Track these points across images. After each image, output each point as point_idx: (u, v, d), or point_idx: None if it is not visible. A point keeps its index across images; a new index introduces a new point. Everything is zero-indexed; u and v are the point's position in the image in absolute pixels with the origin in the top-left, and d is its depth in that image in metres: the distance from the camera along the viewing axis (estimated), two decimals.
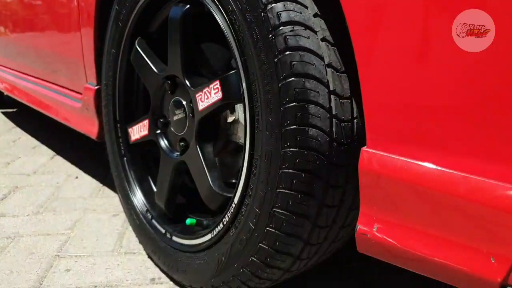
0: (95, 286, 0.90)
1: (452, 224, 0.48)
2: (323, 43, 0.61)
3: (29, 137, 2.14)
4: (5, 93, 2.02)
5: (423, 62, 0.49)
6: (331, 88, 0.60)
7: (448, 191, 0.47)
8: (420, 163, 0.50)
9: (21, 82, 1.74)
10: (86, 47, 1.19)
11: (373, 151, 0.54)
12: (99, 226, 1.18)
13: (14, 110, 2.84)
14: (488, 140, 0.45)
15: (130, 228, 1.17)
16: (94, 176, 1.58)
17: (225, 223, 0.74)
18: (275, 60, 0.60)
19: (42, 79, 1.56)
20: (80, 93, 1.31)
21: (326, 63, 0.61)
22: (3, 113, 2.78)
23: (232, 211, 0.72)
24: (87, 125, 1.25)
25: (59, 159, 1.78)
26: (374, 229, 0.55)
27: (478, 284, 0.46)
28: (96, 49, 1.15)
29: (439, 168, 0.49)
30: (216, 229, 0.76)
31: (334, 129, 0.61)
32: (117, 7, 0.96)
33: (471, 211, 0.47)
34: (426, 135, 0.50)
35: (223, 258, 0.74)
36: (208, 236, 0.78)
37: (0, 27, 1.94)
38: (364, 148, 0.55)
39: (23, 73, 1.78)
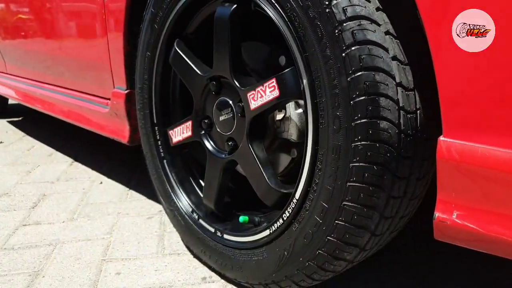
0: None
1: None
2: (387, 36, 0.62)
3: (42, 145, 2.13)
4: (24, 103, 2.00)
5: (493, 55, 0.50)
6: (398, 81, 0.62)
7: None
8: (497, 148, 0.52)
9: (38, 91, 1.73)
10: (113, 52, 1.19)
11: (451, 140, 0.55)
12: (136, 229, 1.18)
13: (20, 118, 2.83)
14: None
15: (168, 229, 1.18)
16: (117, 180, 1.58)
17: (285, 218, 0.74)
18: (343, 54, 0.61)
19: (62, 87, 1.56)
20: (106, 98, 1.31)
21: (391, 56, 0.62)
22: (9, 122, 2.76)
23: (293, 206, 0.73)
24: (117, 130, 1.25)
25: (78, 165, 1.78)
26: (454, 216, 0.56)
27: None
28: (125, 54, 1.15)
29: None
30: (275, 224, 0.77)
31: (401, 121, 0.62)
32: (152, 10, 0.96)
33: None
34: (502, 122, 0.52)
35: (285, 253, 0.75)
36: (266, 232, 0.79)
37: (12, 35, 1.92)
38: (441, 137, 0.56)
39: (40, 81, 1.77)
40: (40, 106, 1.81)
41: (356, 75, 0.60)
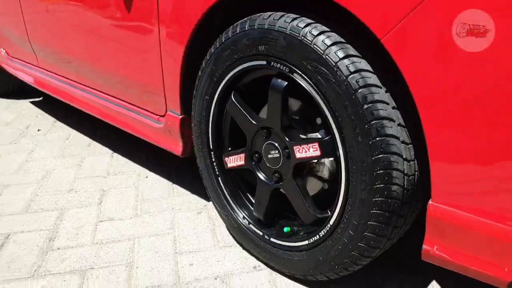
0: (217, 276, 1.26)
1: (480, 251, 0.85)
2: (399, 127, 0.94)
3: (77, 133, 2.39)
4: (55, 96, 2.24)
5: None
6: (404, 157, 0.94)
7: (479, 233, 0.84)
8: (467, 214, 0.86)
9: (90, 97, 1.97)
10: (169, 83, 1.46)
11: (436, 204, 0.89)
12: (191, 224, 1.52)
13: (41, 98, 3.05)
14: None
15: (216, 223, 1.52)
16: (160, 175, 1.89)
17: (321, 235, 1.09)
18: (369, 142, 0.92)
19: (114, 97, 1.81)
20: (158, 115, 1.60)
21: (401, 141, 0.94)
22: (31, 103, 2.98)
23: (328, 229, 1.07)
24: (171, 144, 1.55)
25: (119, 158, 2.07)
26: (434, 249, 0.91)
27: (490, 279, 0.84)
28: (181, 87, 1.42)
29: (476, 217, 0.84)
30: (313, 238, 1.12)
31: (405, 183, 0.95)
32: (213, 67, 1.24)
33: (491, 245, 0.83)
34: (478, 197, 0.85)
35: (320, 258, 1.11)
36: (305, 242, 1.14)
37: (62, 43, 2.12)
38: (430, 202, 0.90)
39: (81, 83, 2.02)
40: (78, 104, 2.06)
41: (378, 156, 0.92)
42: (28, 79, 2.51)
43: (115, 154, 2.11)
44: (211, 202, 1.63)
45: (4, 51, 2.73)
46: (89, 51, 1.84)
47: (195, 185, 1.75)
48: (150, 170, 1.94)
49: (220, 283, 1.23)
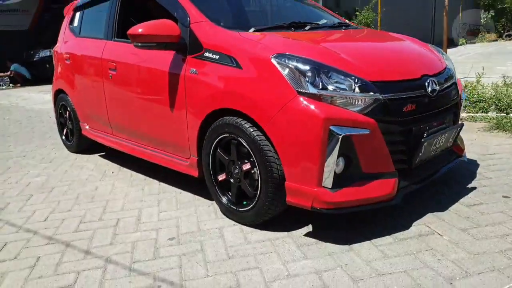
0: (217, 228, 2.84)
1: None
2: (274, 153, 2.56)
3: (136, 173, 4.04)
4: (122, 151, 3.93)
5: None
6: (277, 163, 2.56)
7: None
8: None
9: (146, 150, 3.65)
10: (192, 143, 3.11)
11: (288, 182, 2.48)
12: (206, 209, 3.11)
13: (104, 153, 4.76)
14: None
15: (216, 208, 3.11)
16: (188, 190, 3.50)
17: (256, 201, 2.69)
18: (264, 159, 2.54)
19: (161, 150, 3.48)
20: (186, 158, 3.24)
21: (275, 156, 2.55)
22: (100, 156, 4.69)
23: (257, 198, 2.66)
24: (192, 172, 3.17)
25: (163, 184, 3.70)
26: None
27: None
28: (197, 145, 3.07)
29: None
30: (253, 203, 2.71)
31: (279, 173, 2.56)
32: (209, 137, 2.89)
33: None
34: None
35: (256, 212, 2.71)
36: (251, 206, 2.74)
37: (124, 119, 3.84)
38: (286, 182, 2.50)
39: (147, 145, 3.69)
40: (137, 154, 3.73)
41: (266, 162, 2.54)
42: (105, 142, 4.22)
43: (162, 183, 3.75)
44: (213, 201, 3.22)
45: (88, 126, 4.48)
46: (146, 125, 3.54)
47: (204, 192, 3.35)
48: (182, 188, 3.56)
49: (219, 233, 2.80)
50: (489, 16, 29.92)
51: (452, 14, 20.88)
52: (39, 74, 13.53)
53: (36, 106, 9.31)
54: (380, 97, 2.40)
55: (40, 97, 10.55)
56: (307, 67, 2.38)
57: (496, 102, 5.60)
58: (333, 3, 15.92)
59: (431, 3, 12.45)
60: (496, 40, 26.98)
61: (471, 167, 3.64)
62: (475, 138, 4.54)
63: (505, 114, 5.27)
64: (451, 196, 3.06)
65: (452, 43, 22.22)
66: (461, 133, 3.47)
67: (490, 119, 5.19)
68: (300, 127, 2.33)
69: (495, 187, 3.18)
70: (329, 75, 2.38)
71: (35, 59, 14.13)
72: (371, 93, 2.39)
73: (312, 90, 2.34)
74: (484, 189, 3.15)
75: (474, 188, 3.19)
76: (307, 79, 2.36)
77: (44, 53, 13.81)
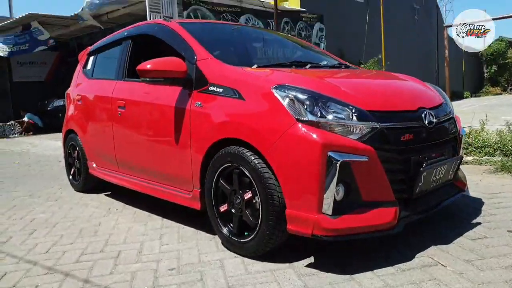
0: (217, 260, 2.81)
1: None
2: (275, 181, 2.58)
3: (140, 210, 4.07)
4: (128, 188, 3.98)
5: None
6: (278, 191, 2.57)
7: None
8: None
9: (150, 185, 3.70)
10: (195, 177, 3.15)
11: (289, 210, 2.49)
12: (208, 242, 3.09)
13: (109, 193, 4.81)
14: None
15: (218, 240, 3.09)
16: (189, 225, 3.50)
17: (256, 232, 2.68)
18: (266, 189, 2.57)
19: (165, 184, 3.53)
20: (189, 191, 3.27)
21: (276, 184, 2.58)
22: (105, 195, 4.73)
23: (258, 228, 2.65)
24: (195, 205, 3.20)
25: (165, 220, 3.70)
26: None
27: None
28: (200, 177, 3.11)
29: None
30: (254, 233, 2.70)
31: (280, 201, 2.57)
32: (212, 168, 2.94)
33: None
34: None
35: (257, 243, 2.69)
36: (251, 237, 2.72)
37: (128, 157, 3.92)
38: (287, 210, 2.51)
39: (153, 181, 3.73)
40: (142, 190, 3.77)
41: (268, 192, 2.56)
42: (110, 179, 4.28)
43: (165, 218, 3.76)
44: (215, 235, 3.21)
45: (95, 164, 4.57)
46: (151, 159, 3.61)
47: (206, 226, 3.35)
48: (184, 224, 3.56)
49: (220, 264, 2.77)
50: (492, 71, 30.61)
51: (455, 67, 21.40)
52: (52, 123, 13.93)
53: (47, 152, 9.51)
54: (377, 126, 2.46)
55: (51, 144, 10.78)
56: (305, 96, 2.48)
57: (501, 147, 5.63)
58: (338, 55, 16.46)
59: (434, 56, 12.86)
60: (501, 94, 27.41)
61: (476, 205, 3.61)
62: (480, 179, 4.53)
63: (511, 158, 5.27)
64: (455, 230, 3.02)
65: (456, 96, 22.60)
66: (466, 175, 3.50)
67: (495, 162, 5.19)
68: (299, 153, 2.38)
69: (500, 223, 3.14)
70: (328, 104, 2.47)
71: (48, 108, 14.63)
72: (369, 122, 2.46)
73: (311, 117, 2.42)
74: (488, 224, 3.11)
75: (479, 223, 3.15)
76: (306, 108, 2.44)
77: (58, 102, 14.31)
